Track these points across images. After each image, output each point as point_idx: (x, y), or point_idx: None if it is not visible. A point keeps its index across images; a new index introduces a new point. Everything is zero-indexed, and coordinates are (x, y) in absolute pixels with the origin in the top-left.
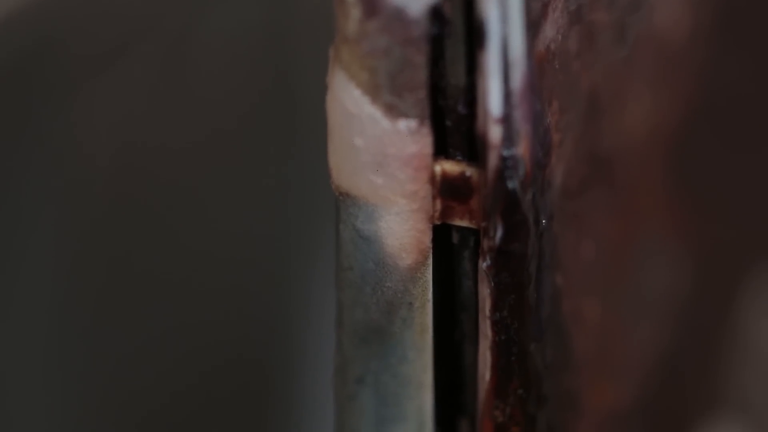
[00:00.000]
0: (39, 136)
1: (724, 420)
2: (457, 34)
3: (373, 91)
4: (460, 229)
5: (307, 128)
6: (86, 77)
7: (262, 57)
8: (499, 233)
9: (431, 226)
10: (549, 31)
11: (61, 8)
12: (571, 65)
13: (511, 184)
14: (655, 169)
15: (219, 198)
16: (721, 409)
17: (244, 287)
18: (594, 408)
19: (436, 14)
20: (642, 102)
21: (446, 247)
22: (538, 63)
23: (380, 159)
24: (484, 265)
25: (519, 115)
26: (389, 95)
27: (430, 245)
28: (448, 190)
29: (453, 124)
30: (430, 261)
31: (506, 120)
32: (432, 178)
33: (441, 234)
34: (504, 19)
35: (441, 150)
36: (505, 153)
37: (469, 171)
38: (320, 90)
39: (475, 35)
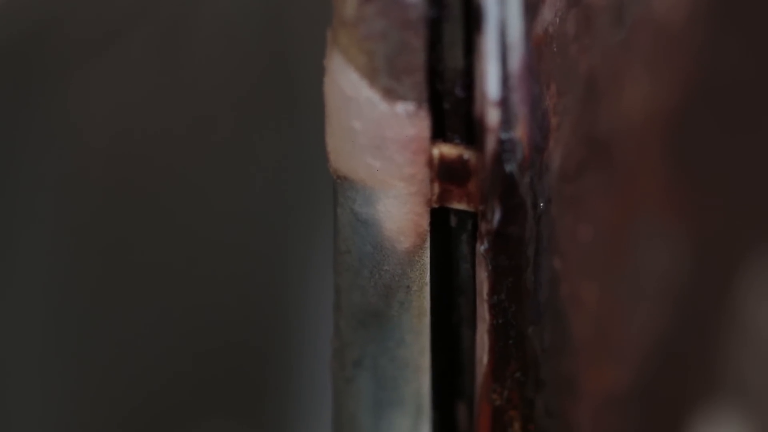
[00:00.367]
0: (35, 121)
1: (722, 403)
2: (454, 17)
3: (370, 75)
4: (458, 212)
5: (304, 112)
6: (81, 62)
7: (259, 40)
8: (497, 216)
9: (429, 209)
10: (547, 14)
11: None
12: (569, 48)
13: (509, 168)
14: (653, 152)
15: (216, 183)
16: (720, 392)
17: (242, 272)
18: (592, 391)
19: None
20: (640, 85)
21: (444, 230)
22: (536, 46)
23: (378, 142)
24: (481, 248)
25: (517, 99)
26: (387, 78)
27: (428, 228)
28: (446, 174)
29: (451, 108)
30: (428, 244)
31: (504, 103)
32: (430, 161)
33: (439, 217)
34: (502, 2)
35: (439, 133)
36: (503, 136)
37: (467, 154)
38: (318, 74)
39: (472, 18)
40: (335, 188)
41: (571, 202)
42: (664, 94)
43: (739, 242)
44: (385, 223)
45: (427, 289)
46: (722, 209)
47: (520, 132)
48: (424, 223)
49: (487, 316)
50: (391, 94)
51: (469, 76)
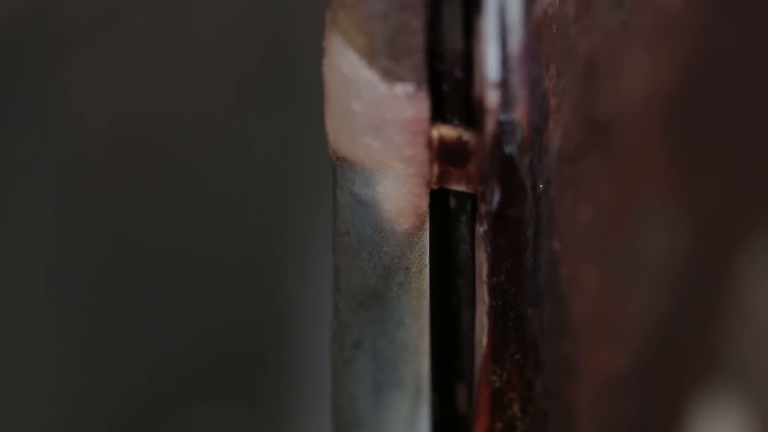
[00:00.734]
0: (34, 104)
1: (721, 385)
2: None
3: (370, 56)
4: (457, 193)
5: (304, 93)
6: (81, 44)
7: (258, 22)
8: (497, 198)
9: (428, 190)
10: None
11: None
12: (569, 30)
13: (509, 149)
14: (653, 134)
15: (215, 164)
16: (719, 374)
17: (242, 253)
18: (591, 373)
19: None
20: (639, 66)
21: (443, 211)
22: (536, 28)
23: (377, 123)
24: (481, 229)
25: (516, 80)
26: (386, 60)
27: (428, 210)
28: (446, 155)
29: (450, 89)
30: (427, 226)
31: (503, 85)
32: (429, 142)
33: (438, 199)
34: None
35: (438, 115)
36: (503, 117)
37: (467, 136)
38: (317, 55)
39: (472, 0)
40: (334, 169)
41: (571, 183)
42: (664, 76)
43: (738, 224)
44: (384, 205)
45: (427, 270)
46: (721, 191)
47: (519, 113)
48: (424, 204)
49: (486, 297)
50: (390, 75)
51: (469, 57)
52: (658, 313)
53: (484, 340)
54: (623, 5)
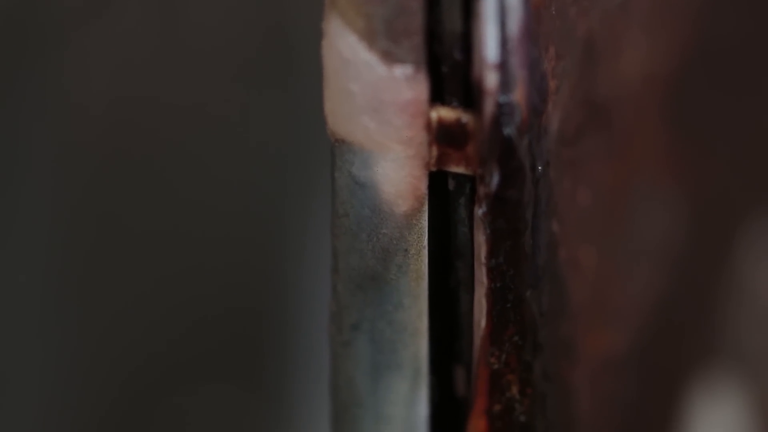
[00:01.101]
0: (30, 88)
1: (719, 367)
2: None
3: (369, 37)
4: (456, 175)
5: (302, 75)
6: (77, 27)
7: (257, 4)
8: (496, 180)
9: (427, 172)
10: None
11: None
12: (568, 11)
13: (508, 131)
14: (652, 115)
15: (213, 148)
16: (717, 356)
17: (240, 236)
18: (590, 355)
19: None
20: (638, 48)
21: (442, 193)
22: (535, 9)
23: (376, 105)
24: (480, 211)
25: (515, 62)
26: (385, 41)
27: (426, 192)
28: (444, 137)
29: (449, 71)
30: (426, 208)
31: (502, 66)
32: (428, 124)
33: (437, 181)
34: None
35: (437, 96)
36: (502, 99)
37: (465, 117)
38: (316, 37)
39: None
40: (333, 151)
41: (570, 165)
42: (663, 58)
43: (737, 205)
44: (383, 186)
45: (425, 252)
46: (720, 172)
47: (518, 95)
48: (422, 186)
49: (485, 279)
50: (389, 57)
51: (468, 39)
52: (657, 294)
53: (483, 322)
54: None
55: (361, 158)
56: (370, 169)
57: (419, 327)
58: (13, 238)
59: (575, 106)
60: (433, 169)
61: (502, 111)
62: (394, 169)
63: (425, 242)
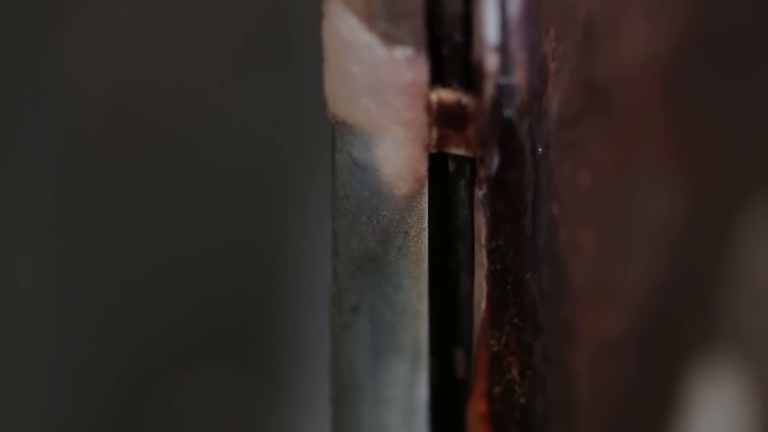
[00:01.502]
0: (29, 73)
1: (719, 350)
2: None
3: (369, 19)
4: (456, 157)
5: (302, 57)
6: (76, 11)
7: None
8: (496, 162)
9: (427, 154)
10: None
11: None
12: None
13: (508, 113)
14: (652, 98)
15: (213, 132)
16: (717, 338)
17: (240, 218)
18: (590, 337)
19: None
20: (638, 31)
21: (442, 175)
22: None
23: (376, 87)
24: (480, 193)
25: (515, 44)
26: (385, 23)
27: (426, 174)
28: (445, 119)
29: (449, 53)
30: (426, 189)
31: (503, 48)
32: (428, 106)
33: (437, 163)
34: None
35: (437, 78)
36: (502, 81)
37: (466, 99)
38: (316, 19)
39: None
40: (333, 133)
41: (570, 147)
42: (662, 40)
43: (736, 189)
44: (383, 168)
45: (425, 234)
46: (720, 156)
47: (518, 77)
48: (423, 168)
49: (485, 261)
50: (389, 39)
51: (468, 21)
52: (657, 277)
53: (483, 304)
54: None
55: (362, 140)
56: (370, 150)
57: (419, 309)
58: (13, 223)
59: (575, 88)
60: (434, 150)
61: (503, 93)
62: (395, 151)
63: (425, 224)
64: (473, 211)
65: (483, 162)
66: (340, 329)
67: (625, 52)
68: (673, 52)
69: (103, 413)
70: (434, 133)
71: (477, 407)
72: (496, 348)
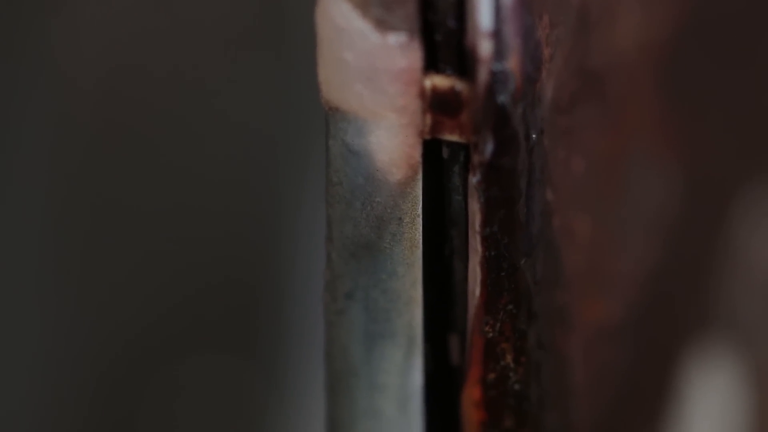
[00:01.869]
0: (21, 60)
1: (714, 336)
2: None
3: (362, 5)
4: (450, 143)
5: (296, 43)
6: None
7: None
8: (490, 148)
9: (421, 140)
10: None
11: None
12: None
13: (502, 99)
14: (646, 84)
15: (207, 119)
16: (712, 325)
17: (234, 205)
18: (584, 323)
19: None
20: (632, 17)
21: (436, 162)
22: None
23: (370, 73)
24: (474, 179)
25: (509, 30)
26: (379, 9)
27: (420, 160)
28: (438, 105)
29: (443, 39)
30: (420, 176)
31: (496, 34)
32: (422, 92)
33: (431, 149)
34: None
35: (431, 64)
36: (495, 67)
37: (459, 85)
38: (309, 5)
39: None
40: (327, 119)
41: (564, 133)
42: (657, 26)
43: (732, 174)
44: (377, 155)
45: (419, 221)
46: (716, 141)
47: (512, 63)
48: (416, 154)
49: (479, 248)
50: (383, 25)
51: (462, 6)
52: (652, 263)
53: (477, 291)
54: None
55: (355, 126)
56: (364, 137)
57: (413, 295)
58: (7, 212)
59: (569, 74)
60: (427, 137)
61: (496, 79)
62: (388, 138)
63: (419, 210)
64: (467, 197)
65: (477, 148)
66: (334, 316)
67: (619, 38)
68: (668, 38)
69: (98, 400)
70: (428, 120)
71: (471, 394)
72: (490, 334)
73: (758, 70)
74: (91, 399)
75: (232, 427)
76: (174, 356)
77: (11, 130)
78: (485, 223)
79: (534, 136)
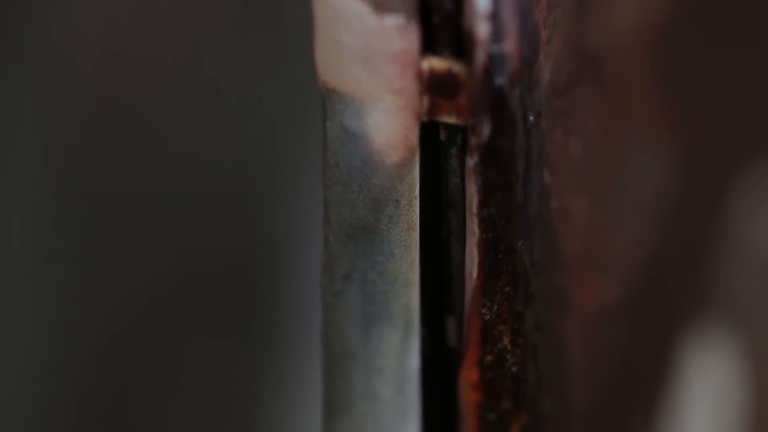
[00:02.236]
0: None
1: (711, 317)
2: None
3: None
4: (447, 126)
5: (293, 25)
6: None
7: None
8: (487, 130)
9: (418, 122)
10: None
11: None
12: None
13: (499, 81)
14: (643, 66)
15: (204, 99)
16: (709, 307)
17: (231, 188)
18: (582, 306)
19: None
20: None
21: (433, 144)
22: None
23: (367, 55)
24: (471, 162)
25: (507, 11)
26: None
27: (417, 142)
28: (436, 87)
29: (440, 21)
30: (417, 158)
31: (494, 16)
32: (419, 74)
33: (428, 131)
34: None
35: (428, 46)
36: (493, 49)
37: (457, 67)
38: None
39: None
40: (324, 101)
41: (561, 115)
42: (654, 8)
43: (729, 156)
44: (374, 137)
45: (417, 203)
46: (713, 123)
47: (509, 45)
48: (414, 136)
49: (476, 230)
50: (380, 7)
51: None
52: (649, 245)
53: (475, 273)
54: None
55: (352, 108)
56: (361, 119)
57: (410, 278)
58: (4, 193)
59: (567, 56)
60: (425, 119)
61: (494, 61)
62: (385, 120)
63: (416, 193)
64: (464, 179)
65: (474, 130)
66: (332, 298)
67: (616, 20)
68: (666, 20)
69: (95, 382)
70: (425, 102)
71: (469, 376)
72: (487, 317)
73: (757, 52)
74: (88, 382)
75: (229, 410)
76: (171, 340)
77: (10, 112)
78: (482, 205)
79: (531, 118)
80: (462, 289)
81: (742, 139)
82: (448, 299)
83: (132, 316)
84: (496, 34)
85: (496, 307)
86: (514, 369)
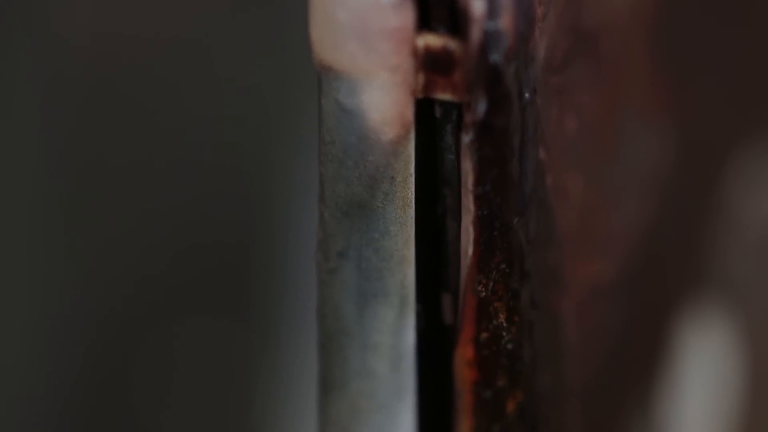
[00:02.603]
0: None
1: (707, 295)
2: None
3: None
4: (442, 102)
5: (288, 2)
6: None
7: None
8: (482, 107)
9: (414, 99)
10: None
11: None
12: None
13: (494, 58)
14: (639, 43)
15: (200, 78)
16: (705, 285)
17: (227, 164)
18: (577, 283)
19: None
20: None
21: (429, 121)
22: None
23: (362, 32)
24: (467, 139)
25: None
26: None
27: (413, 119)
28: (431, 64)
29: None
30: (413, 135)
31: None
32: (414, 51)
33: (424, 108)
34: None
35: (424, 23)
36: (488, 26)
37: (452, 44)
38: None
39: None
40: (320, 79)
41: (557, 92)
42: None
43: (725, 134)
44: (369, 114)
45: (412, 179)
46: (709, 101)
47: (505, 22)
48: (409, 113)
49: (472, 207)
50: None
51: None
52: (645, 223)
53: (470, 250)
54: None
55: (348, 85)
56: (356, 96)
57: (406, 254)
58: (1, 170)
59: (562, 33)
60: (420, 96)
61: (489, 38)
62: (381, 97)
63: (412, 170)
64: (460, 156)
65: (469, 107)
66: (327, 275)
67: None
68: None
69: (90, 361)
70: (421, 79)
71: (464, 353)
72: (483, 294)
73: (750, 28)
74: (83, 362)
75: (225, 387)
76: (167, 317)
77: (3, 90)
78: (478, 182)
79: (527, 95)
80: (457, 266)
81: (738, 116)
82: (444, 276)
83: (126, 294)
84: (492, 11)
85: (491, 284)
86: (509, 346)
